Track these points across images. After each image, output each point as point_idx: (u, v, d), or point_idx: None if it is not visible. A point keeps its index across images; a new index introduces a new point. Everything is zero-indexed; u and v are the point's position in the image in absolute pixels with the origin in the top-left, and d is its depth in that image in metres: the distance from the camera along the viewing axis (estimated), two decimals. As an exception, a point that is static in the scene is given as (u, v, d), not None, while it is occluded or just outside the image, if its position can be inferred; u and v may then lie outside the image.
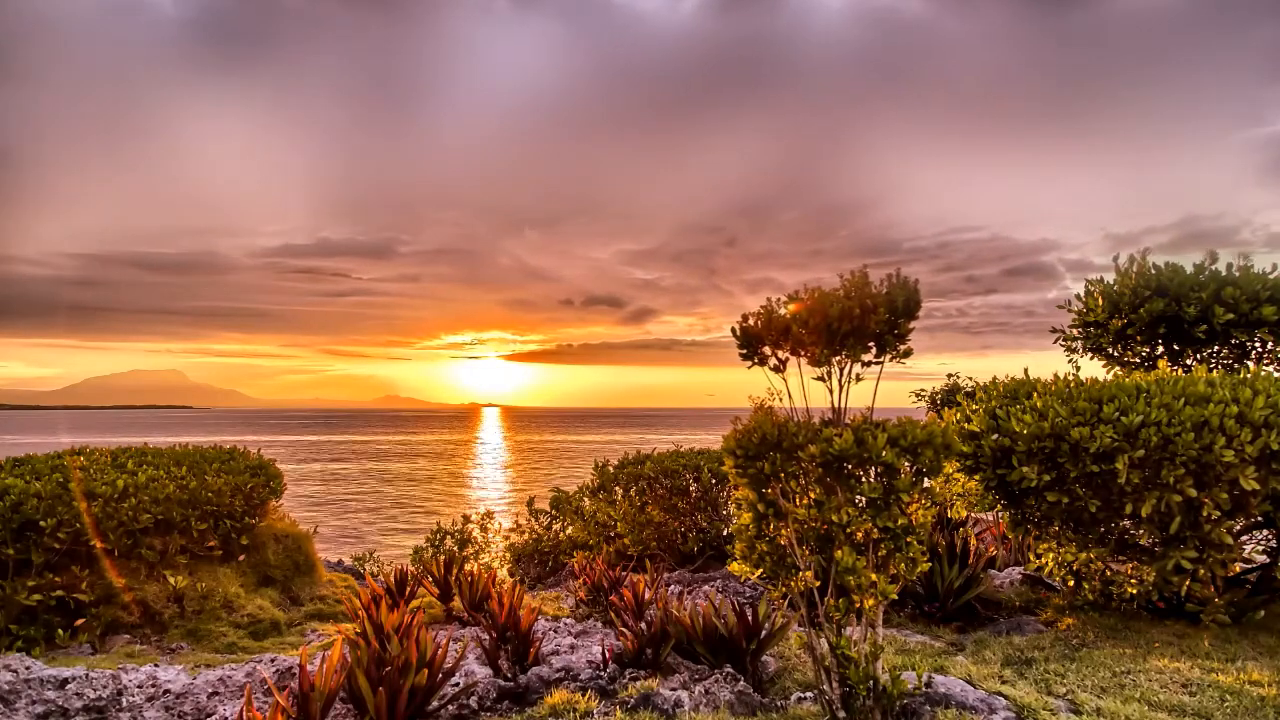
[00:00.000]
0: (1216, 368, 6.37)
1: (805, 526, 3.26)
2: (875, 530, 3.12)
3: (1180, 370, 6.16)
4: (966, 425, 5.30)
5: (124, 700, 3.76)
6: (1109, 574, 5.20)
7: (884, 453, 3.02)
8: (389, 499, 35.08)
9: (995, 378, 5.87)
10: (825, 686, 3.26)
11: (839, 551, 3.08)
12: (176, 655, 5.58)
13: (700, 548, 8.67)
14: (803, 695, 3.79)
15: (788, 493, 3.35)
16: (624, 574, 6.38)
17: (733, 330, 3.50)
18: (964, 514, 5.83)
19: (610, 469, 9.52)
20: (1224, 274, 6.28)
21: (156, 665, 4.28)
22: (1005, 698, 3.57)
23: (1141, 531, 4.94)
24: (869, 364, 3.28)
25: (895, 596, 3.22)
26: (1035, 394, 5.06)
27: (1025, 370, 5.76)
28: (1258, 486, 4.25)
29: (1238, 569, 5.31)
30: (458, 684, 4.03)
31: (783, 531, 3.30)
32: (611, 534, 9.33)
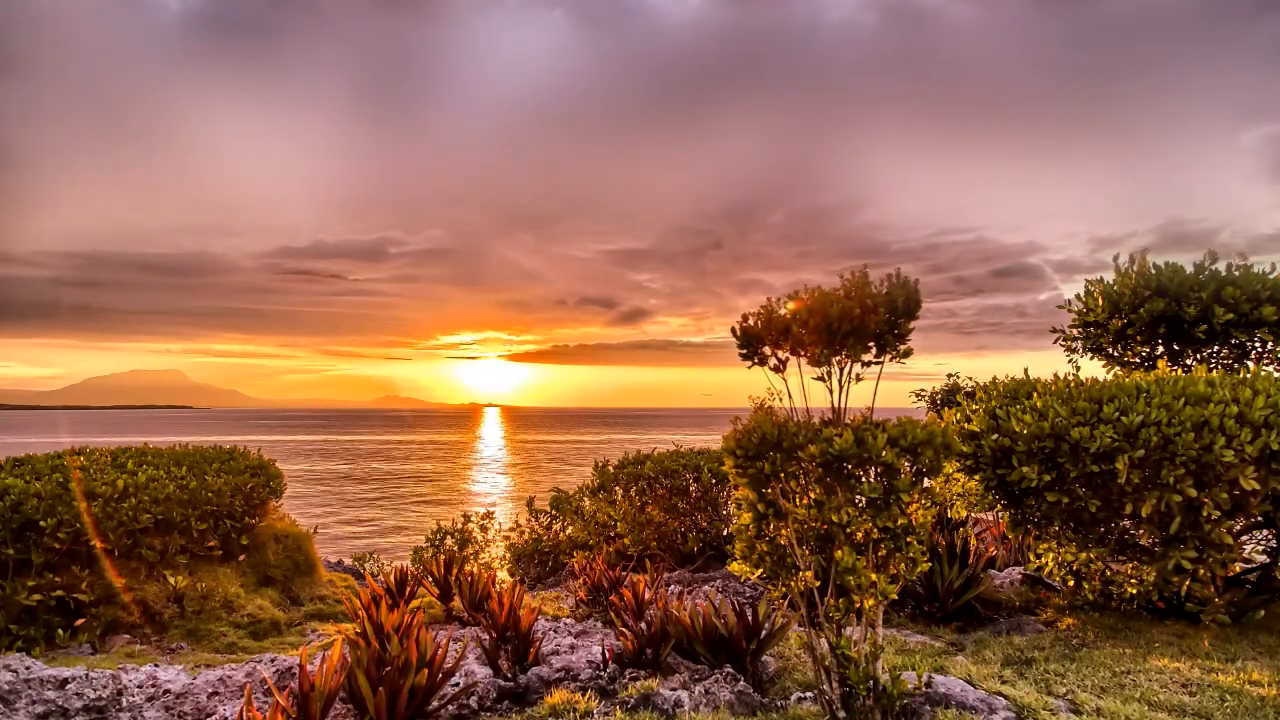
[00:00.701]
0: (1216, 368, 6.37)
1: (805, 526, 3.26)
2: (875, 530, 3.12)
3: (1180, 370, 6.16)
4: (966, 425, 5.30)
5: (124, 700, 3.76)
6: (1109, 574, 5.20)
7: (884, 453, 3.02)
8: (389, 499, 35.09)
9: (995, 378, 5.88)
10: (825, 686, 3.26)
11: (839, 551, 3.08)
12: (176, 655, 5.58)
13: (700, 548, 8.67)
14: (803, 695, 3.79)
15: (788, 493, 3.35)
16: (624, 574, 6.38)
17: (733, 330, 3.50)
18: (964, 514, 5.83)
19: (610, 469, 9.52)
20: (1224, 274, 6.28)
21: (156, 665, 4.28)
22: (1005, 698, 3.57)
23: (1141, 531, 4.94)
24: (869, 364, 3.28)
25: (895, 596, 3.22)
26: (1035, 394, 5.06)
27: (1025, 370, 5.76)
28: (1258, 486, 4.25)
29: (1238, 569, 5.31)
30: (458, 684, 4.03)
31: (783, 531, 3.30)
32: (611, 534, 9.32)
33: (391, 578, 6.36)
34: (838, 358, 3.27)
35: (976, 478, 5.28)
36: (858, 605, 3.11)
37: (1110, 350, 6.95)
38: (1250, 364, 6.27)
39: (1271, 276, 6.13)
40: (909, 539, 3.14)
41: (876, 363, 3.29)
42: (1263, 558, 5.50)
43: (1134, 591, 4.98)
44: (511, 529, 11.34)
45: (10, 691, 3.65)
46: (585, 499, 10.05)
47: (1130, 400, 4.53)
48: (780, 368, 3.43)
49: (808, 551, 3.31)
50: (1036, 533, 5.31)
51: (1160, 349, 6.67)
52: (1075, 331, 7.14)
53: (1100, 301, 6.78)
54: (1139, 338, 6.63)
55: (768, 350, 3.43)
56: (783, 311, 3.34)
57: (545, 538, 10.83)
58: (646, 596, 5.08)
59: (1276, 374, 4.99)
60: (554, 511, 11.03)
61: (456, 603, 6.34)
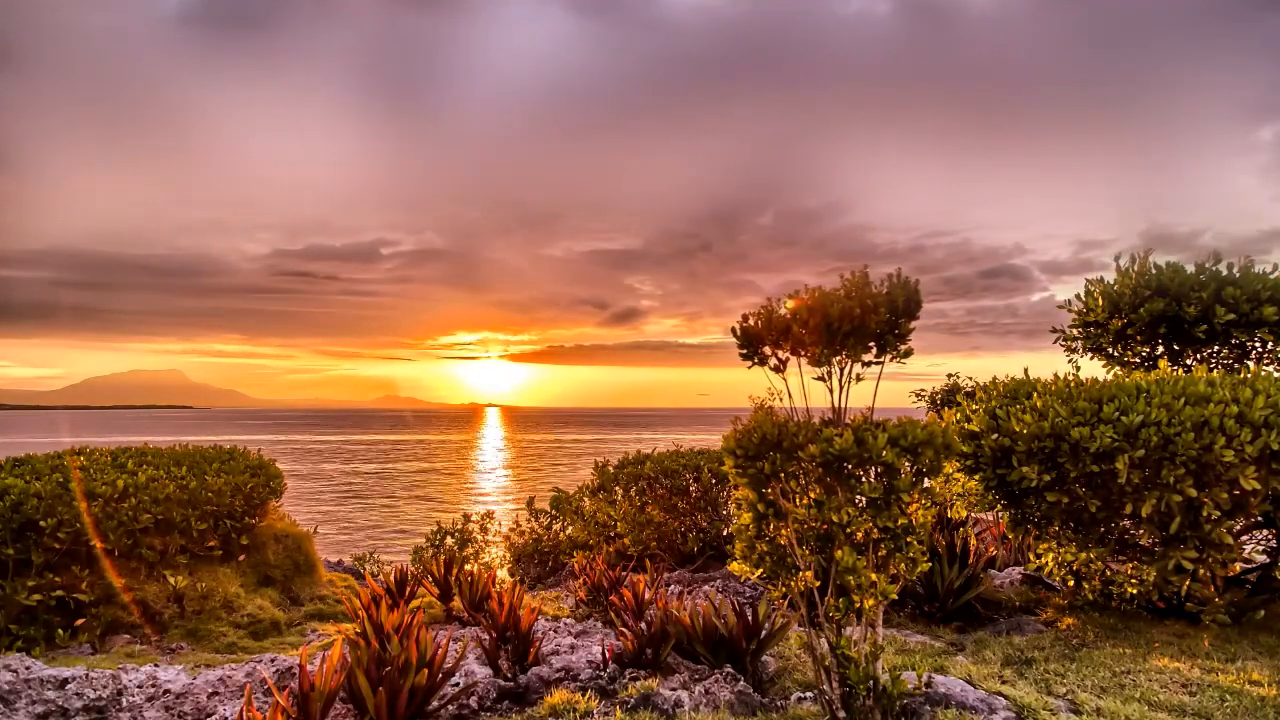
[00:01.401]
0: (1216, 368, 6.36)
1: (805, 526, 3.26)
2: (875, 530, 3.11)
3: (1180, 370, 6.16)
4: (966, 425, 5.30)
5: (124, 700, 3.75)
6: (1109, 574, 5.20)
7: (884, 453, 3.01)
8: (389, 499, 35.09)
9: (995, 378, 5.88)
10: (825, 686, 3.26)
11: (839, 551, 3.08)
12: (176, 655, 5.57)
13: (700, 548, 8.67)
14: (803, 695, 3.79)
15: (788, 493, 3.34)
16: (624, 574, 6.38)
17: (733, 330, 3.49)
18: (964, 514, 5.83)
19: (610, 469, 9.52)
20: (1224, 274, 6.28)
21: (156, 665, 4.28)
22: (1005, 698, 3.57)
23: (1141, 531, 4.94)
24: (869, 364, 3.28)
25: (895, 596, 3.22)
26: (1035, 394, 5.06)
27: (1025, 370, 5.76)
28: (1258, 486, 4.25)
29: (1238, 569, 5.31)
30: (458, 684, 4.03)
31: (783, 531, 3.30)
32: (611, 534, 9.32)
33: (391, 578, 6.36)
34: (838, 358, 3.27)
35: (976, 478, 5.28)
36: (858, 605, 3.11)
37: (1110, 350, 6.95)
38: (1250, 364, 6.27)
39: (1272, 276, 6.14)
40: (909, 539, 3.14)
41: (877, 363, 3.29)
42: (1263, 558, 5.50)
43: (1134, 591, 4.98)
44: (511, 529, 11.34)
45: (10, 691, 3.65)
46: (585, 499, 10.05)
47: (1130, 400, 4.52)
48: (780, 368, 3.43)
49: (808, 551, 3.31)
50: (1036, 533, 5.31)
51: (1160, 349, 6.67)
52: (1075, 331, 7.15)
53: (1100, 301, 6.78)
54: (1139, 338, 6.63)
55: (768, 350, 3.43)
56: (783, 311, 3.34)
57: (545, 538, 10.83)
58: (646, 596, 5.08)
59: (1277, 374, 4.99)
60: (554, 511, 11.03)
61: (456, 603, 6.34)
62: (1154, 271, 6.51)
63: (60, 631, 5.65)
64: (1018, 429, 4.86)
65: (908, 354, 3.27)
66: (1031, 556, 5.76)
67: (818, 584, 3.26)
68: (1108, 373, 6.96)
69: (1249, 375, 4.78)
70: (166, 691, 3.90)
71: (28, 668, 3.85)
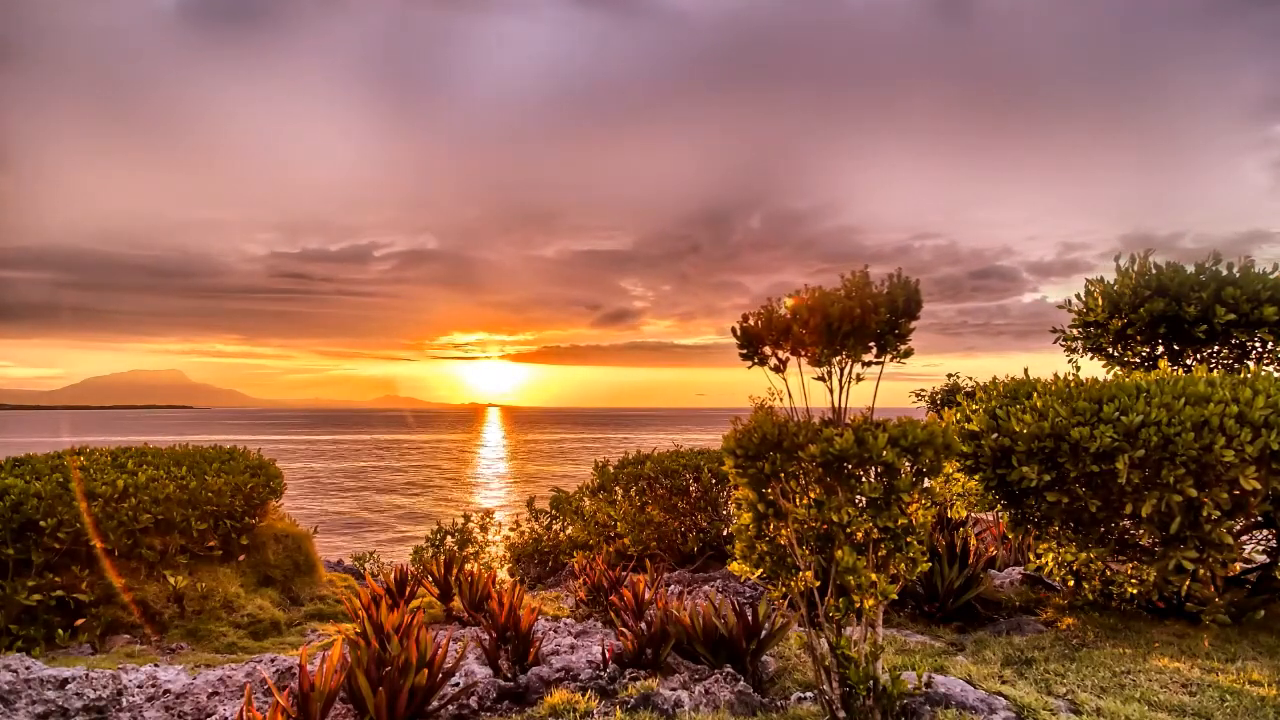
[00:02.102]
0: (1216, 368, 6.36)
1: (805, 526, 3.26)
2: (875, 530, 3.11)
3: (1180, 370, 6.16)
4: (966, 425, 5.30)
5: (124, 700, 3.75)
6: (1109, 574, 5.20)
7: (884, 453, 3.01)
8: (389, 499, 35.08)
9: (995, 378, 5.88)
10: (825, 686, 3.26)
11: (839, 551, 3.08)
12: (176, 655, 5.57)
13: (700, 548, 8.67)
14: (803, 695, 3.79)
15: (788, 493, 3.34)
16: (624, 574, 6.38)
17: (733, 330, 3.49)
18: (964, 514, 5.83)
19: (610, 469, 9.52)
20: (1225, 274, 6.28)
21: (156, 665, 4.28)
22: (1005, 698, 3.57)
23: (1141, 531, 4.94)
24: (869, 364, 3.28)
25: (895, 596, 3.22)
26: (1035, 394, 5.06)
27: (1025, 370, 5.76)
28: (1258, 486, 4.25)
29: (1238, 569, 5.31)
30: (458, 684, 4.03)
31: (783, 531, 3.30)
32: (611, 534, 9.32)
33: (391, 578, 6.36)
34: (838, 358, 3.27)
35: (976, 478, 5.28)
36: (858, 605, 3.11)
37: (1110, 350, 6.95)
38: (1251, 364, 6.27)
39: (1272, 276, 6.13)
40: (909, 539, 3.14)
41: (877, 363, 3.29)
42: (1263, 558, 5.50)
43: (1134, 591, 4.98)
44: (511, 529, 11.34)
45: (10, 691, 3.65)
46: (585, 499, 10.05)
47: (1130, 400, 4.52)
48: (780, 368, 3.42)
49: (808, 551, 3.31)
50: (1036, 533, 5.31)
51: (1160, 349, 6.67)
52: (1075, 331, 7.15)
53: (1100, 301, 6.78)
54: (1139, 338, 6.63)
55: (768, 350, 3.43)
56: (783, 311, 3.34)
57: (545, 538, 10.83)
58: (646, 596, 5.08)
59: (1277, 374, 4.99)
60: (554, 511, 11.03)
61: (456, 603, 6.34)
62: (1154, 271, 6.51)
63: (60, 631, 5.65)
64: (1018, 429, 4.86)
65: (908, 354, 3.27)
66: (1031, 556, 5.76)
67: (818, 584, 3.26)
68: (1108, 373, 6.96)
69: (1249, 375, 4.77)
70: (166, 691, 3.90)
71: (28, 668, 3.85)
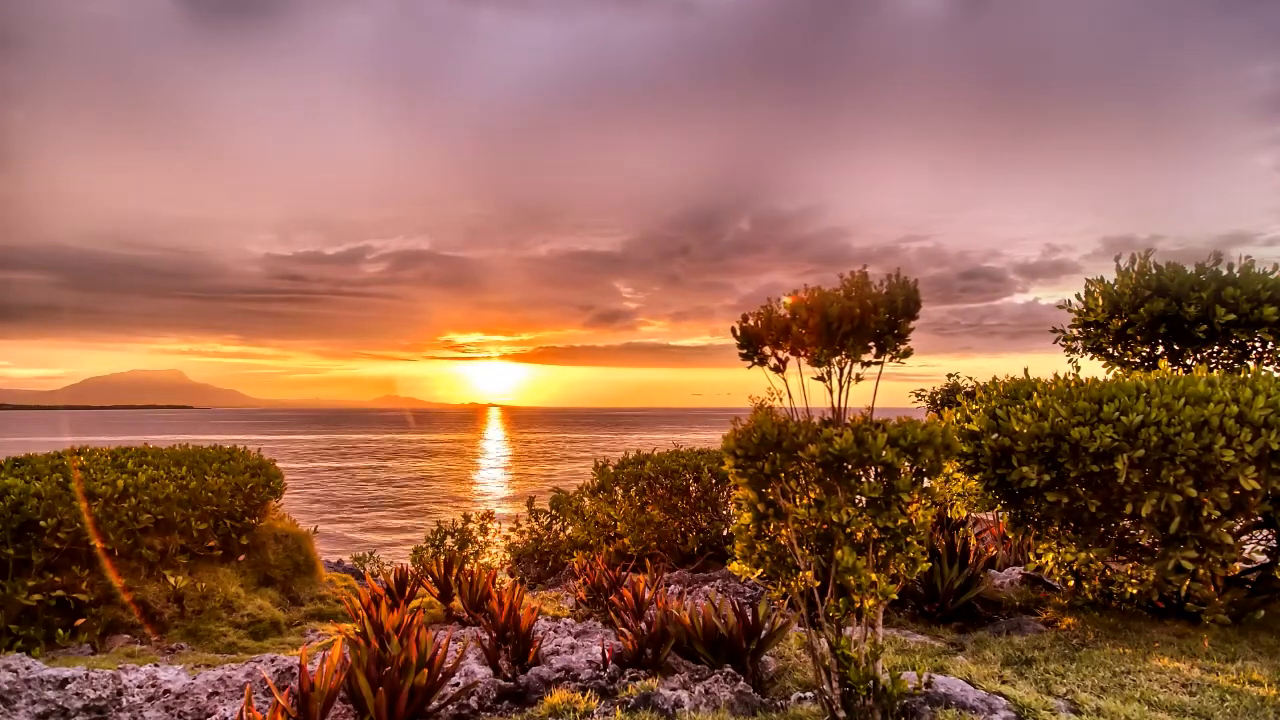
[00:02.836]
0: (1216, 368, 6.36)
1: (805, 526, 3.26)
2: (875, 530, 3.11)
3: (1180, 370, 6.16)
4: (966, 425, 5.30)
5: (124, 700, 3.75)
6: (1109, 574, 5.20)
7: (884, 452, 3.01)
8: (389, 498, 35.09)
9: (995, 378, 5.88)
10: (825, 686, 3.26)
11: (839, 551, 3.08)
12: (176, 655, 5.57)
13: (700, 548, 8.67)
14: (803, 695, 3.79)
15: (788, 492, 3.34)
16: (624, 574, 6.38)
17: (733, 330, 3.50)
18: (964, 514, 5.83)
19: (610, 469, 9.51)
20: (1225, 274, 6.28)
21: (156, 665, 4.28)
22: (1005, 698, 3.57)
23: (1141, 531, 4.94)
24: (869, 364, 3.28)
25: (895, 596, 3.22)
26: (1035, 394, 5.06)
27: (1025, 370, 5.76)
28: (1258, 486, 4.25)
29: (1238, 569, 5.31)
30: (458, 684, 4.03)
31: (783, 531, 3.30)
32: (611, 534, 9.32)
33: (391, 578, 6.36)
34: (838, 358, 3.27)
35: (976, 478, 5.28)
36: (858, 605, 3.11)
37: (1110, 350, 6.95)
38: (1251, 364, 6.27)
39: (1272, 276, 6.14)
40: (909, 539, 3.14)
41: (876, 363, 3.29)
42: (1263, 558, 5.50)
43: (1134, 591, 4.98)
44: (512, 529, 11.34)
45: (10, 691, 3.65)
46: (585, 499, 10.05)
47: (1130, 400, 4.52)
48: (780, 368, 3.43)
49: (808, 551, 3.31)
50: (1036, 533, 5.31)
51: (1160, 349, 6.67)
52: (1075, 331, 7.15)
53: (1100, 301, 6.78)
54: (1139, 338, 6.63)
55: (768, 350, 3.43)
56: (782, 311, 3.34)
57: (545, 538, 10.83)
58: (646, 596, 5.08)
59: (1277, 374, 4.99)
60: (554, 511, 11.03)
61: (456, 603, 6.34)
62: (1154, 271, 6.51)
63: (60, 631, 5.65)
64: (1018, 429, 4.86)
65: (907, 354, 3.27)
66: (1031, 556, 5.76)
67: (818, 584, 3.26)
68: (1108, 373, 6.96)
69: (1249, 375, 4.77)
70: (166, 691, 3.90)
71: (28, 668, 3.85)
